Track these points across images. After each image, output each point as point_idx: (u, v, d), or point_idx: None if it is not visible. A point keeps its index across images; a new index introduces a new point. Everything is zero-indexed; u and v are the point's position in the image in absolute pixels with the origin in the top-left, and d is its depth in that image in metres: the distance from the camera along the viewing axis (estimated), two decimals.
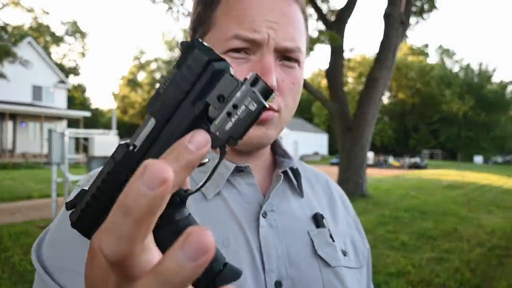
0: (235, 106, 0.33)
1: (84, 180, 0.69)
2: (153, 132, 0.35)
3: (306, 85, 12.01)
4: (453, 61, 57.45)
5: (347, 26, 11.30)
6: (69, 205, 0.38)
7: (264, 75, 0.64)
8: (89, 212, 0.37)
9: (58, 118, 26.56)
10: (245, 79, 0.34)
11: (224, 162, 0.71)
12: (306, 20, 0.75)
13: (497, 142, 48.48)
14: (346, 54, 27.46)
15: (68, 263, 0.57)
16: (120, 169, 0.36)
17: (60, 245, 0.60)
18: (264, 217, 0.69)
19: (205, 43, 0.35)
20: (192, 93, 0.34)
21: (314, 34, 11.33)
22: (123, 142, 0.37)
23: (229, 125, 0.33)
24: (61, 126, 25.52)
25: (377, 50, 10.74)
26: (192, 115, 0.34)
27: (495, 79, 53.36)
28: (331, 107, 11.09)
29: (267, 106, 0.33)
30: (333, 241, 0.74)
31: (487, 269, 5.25)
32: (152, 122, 0.35)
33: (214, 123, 0.34)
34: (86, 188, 0.38)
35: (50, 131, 7.97)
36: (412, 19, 12.24)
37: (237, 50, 0.67)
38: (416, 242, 6.51)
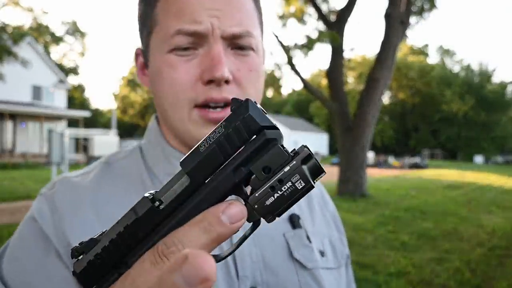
0: (281, 181, 0.31)
1: (46, 187, 0.66)
2: (185, 191, 0.33)
3: (306, 85, 12.01)
4: (453, 61, 57.44)
5: (347, 26, 11.29)
6: (74, 253, 0.35)
7: (213, 67, 0.60)
8: (96, 265, 0.34)
9: (58, 118, 26.55)
10: (296, 153, 0.32)
11: None
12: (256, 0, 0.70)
13: (497, 142, 48.43)
14: (347, 54, 27.44)
15: (28, 279, 0.56)
16: (140, 225, 0.33)
17: (20, 261, 0.58)
18: None
19: (259, 106, 0.32)
20: (235, 158, 0.32)
21: (314, 34, 11.33)
22: (148, 194, 0.34)
23: (270, 200, 0.31)
24: (61, 126, 25.51)
25: (377, 50, 10.74)
26: (231, 181, 0.32)
27: (496, 79, 53.31)
28: (331, 107, 11.08)
29: (315, 186, 0.32)
30: (310, 242, 0.71)
31: (487, 269, 5.24)
32: (185, 181, 0.33)
33: (255, 194, 0.32)
34: (95, 236, 0.36)
35: (50, 131, 7.97)
36: (412, 19, 12.24)
37: (183, 48, 0.63)
38: (416, 242, 6.50)
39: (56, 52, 45.43)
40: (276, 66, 13.73)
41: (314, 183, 0.32)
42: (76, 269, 0.35)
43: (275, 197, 0.31)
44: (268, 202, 0.31)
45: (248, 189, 0.34)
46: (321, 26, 11.64)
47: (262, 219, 0.33)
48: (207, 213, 0.31)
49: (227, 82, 0.62)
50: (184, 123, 0.65)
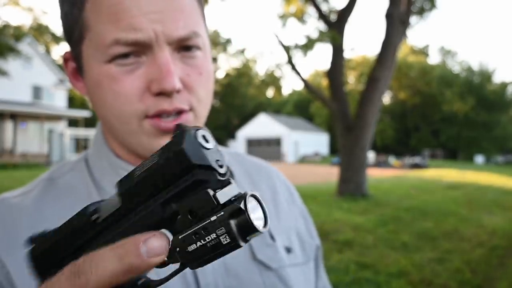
0: (206, 229, 0.29)
1: (56, 169, 0.65)
2: (116, 213, 0.33)
3: (306, 84, 12.01)
4: (454, 62, 57.43)
5: (347, 25, 11.28)
6: (30, 241, 0.38)
7: (163, 79, 0.55)
8: (39, 267, 0.36)
9: (58, 118, 26.56)
10: (231, 201, 0.29)
11: None
12: None
13: (498, 142, 48.44)
14: (347, 54, 27.45)
15: None
16: (77, 236, 0.34)
17: None
18: None
19: (201, 136, 0.30)
20: (166, 191, 0.30)
21: (315, 34, 11.32)
22: (91, 205, 0.35)
23: (192, 247, 0.29)
24: (61, 126, 25.53)
25: (378, 50, 10.73)
26: (158, 215, 0.31)
27: (496, 79, 53.33)
28: (331, 107, 11.07)
29: (242, 246, 0.29)
30: (274, 240, 0.69)
31: (488, 269, 5.23)
32: (117, 200, 0.33)
33: (178, 237, 0.30)
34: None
35: (50, 131, 7.96)
36: (413, 19, 12.23)
37: (124, 55, 0.56)
38: (416, 242, 6.49)
39: (56, 51, 45.46)
40: (276, 66, 13.74)
41: (246, 241, 0.29)
42: (33, 253, 0.37)
43: (197, 245, 0.29)
44: (189, 249, 0.29)
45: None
46: (322, 26, 11.63)
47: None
48: (127, 241, 0.30)
49: (177, 91, 0.57)
50: (135, 135, 0.60)
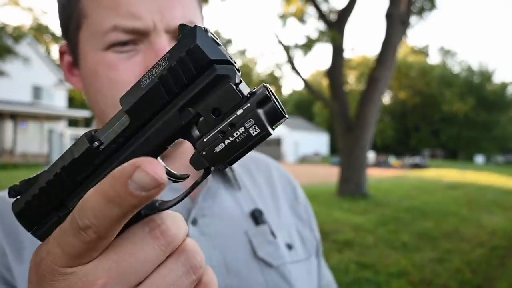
0: (232, 126, 0.27)
1: None
2: (125, 132, 0.29)
3: (307, 84, 12.02)
4: (454, 62, 57.43)
5: (347, 25, 11.28)
6: (12, 193, 0.32)
7: None
8: (34, 206, 0.31)
9: (58, 118, 26.56)
10: (252, 93, 0.28)
11: None
12: None
13: (497, 142, 48.43)
14: (347, 54, 27.46)
15: None
16: (78, 167, 0.30)
17: None
18: (194, 224, 0.61)
19: (210, 33, 0.28)
20: (181, 96, 0.28)
21: (315, 34, 11.32)
22: (88, 131, 0.31)
23: (220, 146, 0.28)
24: (61, 126, 25.52)
25: (378, 50, 10.73)
26: (177, 123, 0.28)
27: (496, 79, 53.37)
28: (331, 107, 11.07)
29: (272, 133, 0.27)
30: (275, 237, 0.68)
31: (488, 269, 5.22)
32: (125, 120, 0.29)
33: (203, 139, 0.28)
34: (33, 174, 0.33)
35: (50, 131, 7.96)
36: (413, 19, 12.23)
37: (121, 43, 0.56)
38: (417, 242, 6.48)
39: (56, 52, 45.48)
40: (276, 66, 13.74)
41: (273, 129, 0.28)
42: (15, 209, 0.32)
43: (226, 143, 0.27)
44: (217, 149, 0.28)
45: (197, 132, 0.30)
46: (322, 26, 11.63)
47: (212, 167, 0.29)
48: (112, 179, 0.26)
49: None
50: None
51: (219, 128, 0.28)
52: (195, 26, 0.28)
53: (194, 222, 0.61)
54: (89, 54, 0.58)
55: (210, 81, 0.27)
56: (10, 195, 0.33)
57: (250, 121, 0.27)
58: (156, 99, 0.28)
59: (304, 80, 11.68)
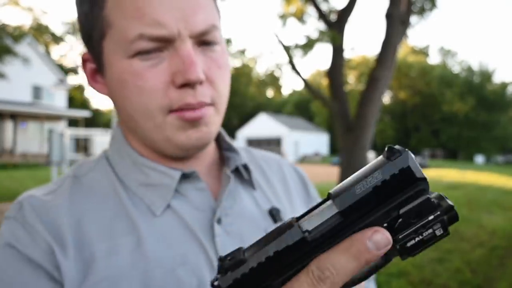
0: (423, 227, 0.35)
1: (13, 209, 0.61)
2: (337, 228, 0.35)
3: (307, 84, 12.00)
4: (454, 62, 57.43)
5: (348, 25, 11.28)
6: (221, 269, 0.36)
7: (187, 70, 0.56)
8: (241, 284, 0.35)
9: (58, 118, 26.57)
10: (438, 203, 0.36)
11: (168, 170, 0.64)
12: None
13: (498, 142, 48.44)
14: (347, 54, 27.44)
15: None
16: (289, 253, 0.35)
17: None
18: (219, 223, 0.63)
19: (413, 156, 0.35)
20: (388, 203, 0.35)
21: (315, 34, 11.32)
22: (296, 219, 0.36)
23: (411, 242, 0.35)
24: (61, 126, 25.52)
25: (377, 50, 10.73)
26: (381, 223, 0.35)
27: (496, 79, 53.35)
28: (331, 107, 11.08)
29: (449, 233, 0.36)
30: None
31: (488, 269, 5.23)
32: (337, 217, 0.35)
33: (399, 236, 0.35)
34: (234, 248, 0.38)
35: (50, 131, 7.97)
36: (413, 19, 12.22)
37: (146, 51, 0.57)
38: None
39: (56, 51, 45.47)
40: (276, 66, 13.73)
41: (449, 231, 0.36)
42: (222, 284, 0.36)
43: (416, 240, 0.35)
44: (409, 244, 0.35)
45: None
46: (322, 26, 11.63)
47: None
48: (354, 241, 0.34)
49: (200, 83, 0.59)
50: (160, 130, 0.61)
51: (413, 229, 0.35)
52: (406, 150, 0.35)
53: (219, 221, 0.64)
54: (115, 63, 0.60)
55: (414, 194, 0.35)
56: (219, 272, 0.36)
57: (437, 225, 0.35)
58: (368, 204, 0.35)
59: (304, 80, 11.68)
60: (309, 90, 11.91)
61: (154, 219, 0.61)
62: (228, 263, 0.36)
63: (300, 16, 12.62)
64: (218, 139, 0.76)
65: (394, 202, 0.35)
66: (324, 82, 27.09)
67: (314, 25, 11.98)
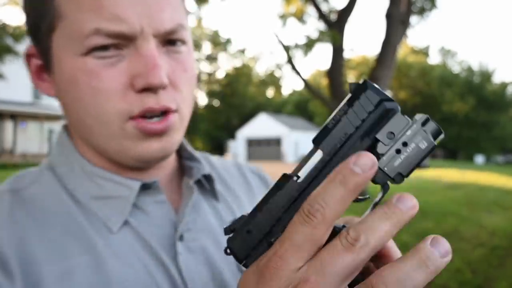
0: (405, 144, 0.35)
1: (13, 181, 0.58)
2: (320, 164, 0.36)
3: (307, 84, 12.00)
4: (454, 62, 57.44)
5: (348, 25, 11.28)
6: (228, 230, 0.39)
7: (149, 72, 0.50)
8: (248, 239, 0.37)
9: (58, 118, 26.56)
10: (414, 119, 0.36)
11: (125, 181, 0.57)
12: None
13: (498, 142, 48.47)
14: (347, 54, 27.47)
15: None
16: (283, 197, 0.37)
17: None
18: (180, 240, 0.59)
19: (375, 85, 0.36)
20: (361, 129, 0.36)
21: (315, 34, 11.32)
22: (284, 174, 0.38)
23: (398, 161, 0.35)
24: (61, 126, 25.53)
25: (377, 50, 10.73)
26: (359, 149, 0.36)
27: (496, 79, 53.38)
28: (331, 106, 11.08)
29: (436, 145, 0.35)
30: None
31: (488, 269, 5.22)
32: (318, 155, 0.37)
33: (382, 158, 0.35)
34: (242, 214, 0.39)
35: (50, 131, 7.96)
36: (413, 19, 12.22)
37: (103, 47, 0.51)
38: (417, 242, 6.43)
39: None
40: (276, 66, 13.73)
41: (435, 143, 0.35)
42: (231, 245, 0.38)
43: (402, 158, 0.35)
44: (396, 164, 0.35)
45: None
46: (322, 26, 11.63)
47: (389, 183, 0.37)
48: (340, 168, 0.33)
49: (163, 88, 0.53)
50: (116, 139, 0.54)
51: (394, 147, 0.35)
52: (365, 80, 0.36)
53: (181, 238, 0.59)
54: (66, 59, 0.53)
55: (382, 113, 0.35)
56: (226, 233, 0.38)
57: (418, 137, 0.35)
58: (342, 134, 0.36)
59: (304, 80, 11.68)
60: (309, 90, 11.92)
61: (111, 236, 0.55)
62: (232, 224, 0.38)
63: (300, 16, 12.62)
64: (179, 148, 0.69)
65: (366, 126, 0.35)
66: (324, 82, 27.11)
67: (314, 25, 11.95)
